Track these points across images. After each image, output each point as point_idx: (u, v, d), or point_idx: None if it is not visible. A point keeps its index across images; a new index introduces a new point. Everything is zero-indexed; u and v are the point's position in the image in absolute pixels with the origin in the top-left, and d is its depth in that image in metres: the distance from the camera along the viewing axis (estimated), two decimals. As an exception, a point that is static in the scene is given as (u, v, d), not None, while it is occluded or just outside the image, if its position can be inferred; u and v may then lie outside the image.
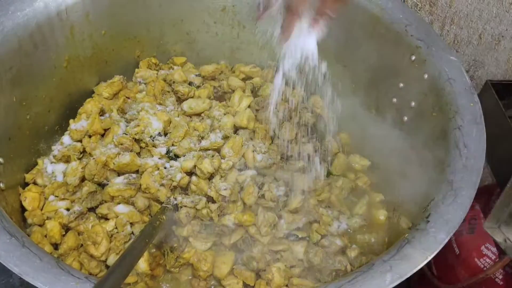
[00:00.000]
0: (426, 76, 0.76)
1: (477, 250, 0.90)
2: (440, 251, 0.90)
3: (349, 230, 0.84)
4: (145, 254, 0.75)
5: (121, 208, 0.80)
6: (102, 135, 0.88)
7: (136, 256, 0.66)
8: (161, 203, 0.80)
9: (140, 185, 0.80)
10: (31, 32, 0.78)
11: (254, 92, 1.00)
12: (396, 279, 0.51)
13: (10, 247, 0.49)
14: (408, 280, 0.50)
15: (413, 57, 0.78)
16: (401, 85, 0.82)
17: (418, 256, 0.53)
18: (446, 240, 0.55)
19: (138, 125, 0.86)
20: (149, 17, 0.96)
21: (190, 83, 0.99)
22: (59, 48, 0.85)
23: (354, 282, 0.50)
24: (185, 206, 0.79)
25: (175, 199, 0.80)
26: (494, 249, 0.89)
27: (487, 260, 0.89)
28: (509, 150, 0.95)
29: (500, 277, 0.88)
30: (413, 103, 0.80)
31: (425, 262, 0.53)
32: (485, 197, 0.93)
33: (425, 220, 0.57)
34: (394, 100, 0.84)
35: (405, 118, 0.82)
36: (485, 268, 0.90)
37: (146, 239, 0.70)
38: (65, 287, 0.47)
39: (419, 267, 0.53)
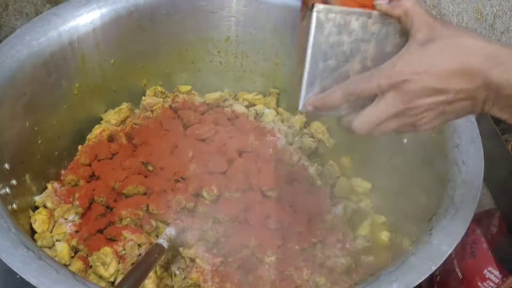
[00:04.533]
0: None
1: (480, 274, 0.90)
2: (443, 276, 0.91)
3: (353, 251, 0.85)
4: (153, 275, 0.76)
5: (129, 230, 0.81)
6: (111, 159, 0.90)
7: (141, 275, 0.66)
8: (168, 224, 0.82)
9: (148, 206, 0.82)
10: (44, 60, 0.81)
11: (257, 119, 1.03)
12: (402, 289, 0.52)
13: (28, 259, 0.51)
14: None
15: (411, 81, 0.81)
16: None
17: (422, 267, 0.55)
18: (450, 252, 0.57)
19: (146, 149, 0.89)
20: (156, 47, 1.00)
21: (195, 110, 1.02)
22: (70, 76, 0.88)
23: (362, 292, 0.52)
24: (192, 228, 0.80)
25: (182, 221, 0.81)
26: (497, 273, 0.89)
27: (490, 283, 0.90)
28: (508, 174, 0.97)
29: (504, 300, 0.87)
30: (412, 125, 0.82)
31: (430, 272, 0.54)
32: (486, 222, 0.95)
33: (429, 232, 0.59)
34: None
35: (405, 140, 0.85)
36: (488, 292, 0.90)
37: (151, 258, 0.70)
38: (81, 298, 0.48)
39: (424, 277, 0.54)
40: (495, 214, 0.95)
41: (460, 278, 0.95)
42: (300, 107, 0.57)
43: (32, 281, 0.49)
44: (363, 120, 0.53)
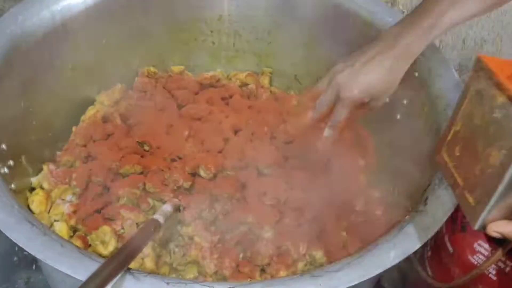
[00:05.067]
0: (416, 74, 0.80)
1: (470, 247, 0.92)
2: (434, 251, 0.93)
3: (348, 226, 0.86)
4: (151, 253, 0.77)
5: (127, 209, 0.82)
6: (106, 140, 0.90)
7: (137, 247, 0.64)
8: (164, 202, 0.82)
9: (145, 185, 0.83)
10: (37, 41, 0.80)
11: (251, 98, 1.04)
12: (400, 255, 0.54)
13: (32, 235, 0.51)
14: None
15: (404, 57, 0.82)
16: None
17: (419, 235, 0.56)
18: (444, 220, 0.59)
19: (141, 129, 0.89)
20: (148, 27, 1.00)
21: (189, 90, 1.02)
22: (63, 57, 0.87)
23: (361, 259, 0.53)
24: (189, 206, 0.81)
25: (179, 200, 0.82)
26: (486, 246, 0.91)
27: (480, 256, 0.92)
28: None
29: (494, 272, 0.89)
30: (405, 101, 0.84)
31: (426, 239, 0.56)
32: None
33: (424, 202, 0.61)
34: (387, 99, 0.88)
35: (398, 116, 0.86)
36: (478, 265, 0.92)
37: (147, 232, 0.70)
38: (87, 270, 0.49)
39: (420, 244, 0.56)
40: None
41: (451, 252, 0.96)
42: (477, 226, 0.49)
43: (38, 256, 0.49)
44: None
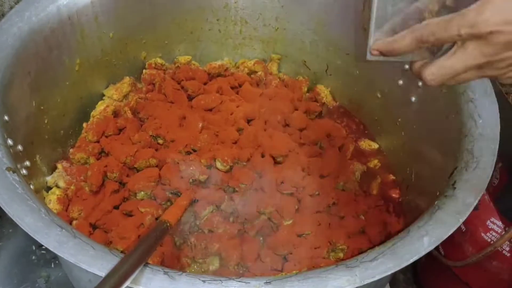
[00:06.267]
0: (432, 55, 0.79)
1: (483, 225, 0.92)
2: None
3: (366, 211, 0.86)
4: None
5: (144, 203, 0.81)
6: (118, 135, 0.89)
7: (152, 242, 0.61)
8: (179, 195, 0.81)
9: (160, 178, 0.82)
10: (45, 37, 0.79)
11: (260, 85, 1.02)
12: (434, 242, 0.54)
13: (63, 238, 0.50)
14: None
15: (418, 39, 0.81)
16: (407, 66, 0.85)
17: (450, 220, 0.56)
18: (475, 204, 0.58)
19: (153, 122, 0.88)
20: (154, 18, 0.98)
21: (198, 81, 1.00)
22: (71, 52, 0.86)
23: (395, 248, 0.53)
24: (206, 200, 0.80)
25: (195, 192, 0.81)
26: (499, 223, 0.91)
27: (494, 233, 0.92)
28: (508, 125, 0.99)
29: (507, 249, 0.90)
30: (420, 83, 0.83)
31: (458, 225, 0.56)
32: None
33: (452, 187, 0.60)
34: (400, 82, 0.87)
35: (413, 99, 0.85)
36: (492, 242, 0.92)
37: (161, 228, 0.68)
38: (122, 272, 0.48)
39: (453, 230, 0.55)
40: (497, 166, 0.96)
41: (464, 230, 0.97)
42: (367, 55, 0.50)
43: (71, 260, 0.49)
44: (436, 72, 0.46)
